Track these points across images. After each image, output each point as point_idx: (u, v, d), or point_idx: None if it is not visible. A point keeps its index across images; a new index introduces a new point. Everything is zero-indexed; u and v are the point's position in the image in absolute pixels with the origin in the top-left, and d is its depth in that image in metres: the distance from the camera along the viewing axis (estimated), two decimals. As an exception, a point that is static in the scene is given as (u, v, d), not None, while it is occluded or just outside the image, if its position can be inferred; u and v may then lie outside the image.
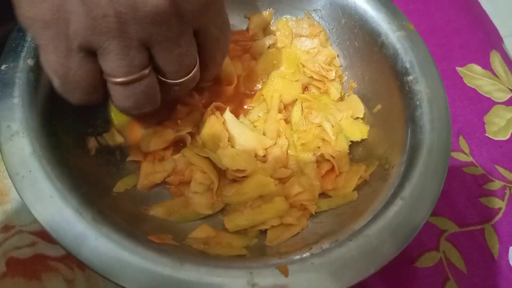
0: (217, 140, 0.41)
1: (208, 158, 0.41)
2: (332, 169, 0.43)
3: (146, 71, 0.30)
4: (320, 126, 0.44)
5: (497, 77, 0.57)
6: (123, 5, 0.27)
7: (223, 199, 0.40)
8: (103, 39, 0.28)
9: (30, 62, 0.36)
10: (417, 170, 0.36)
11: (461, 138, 0.52)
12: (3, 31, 0.38)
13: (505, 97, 0.56)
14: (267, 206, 0.39)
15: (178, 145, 0.43)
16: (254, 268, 0.30)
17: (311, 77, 0.47)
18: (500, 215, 0.48)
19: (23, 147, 0.32)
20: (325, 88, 0.47)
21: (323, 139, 0.44)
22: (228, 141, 0.42)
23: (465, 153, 0.51)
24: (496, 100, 0.55)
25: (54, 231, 0.30)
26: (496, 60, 0.58)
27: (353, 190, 0.41)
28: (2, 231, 0.39)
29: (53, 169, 0.32)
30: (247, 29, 0.50)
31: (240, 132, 0.43)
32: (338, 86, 0.47)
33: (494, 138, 0.53)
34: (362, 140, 0.44)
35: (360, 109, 0.46)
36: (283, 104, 0.46)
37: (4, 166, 0.32)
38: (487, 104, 0.55)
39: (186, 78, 0.33)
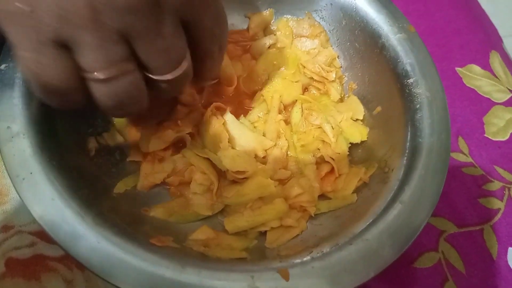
0: (217, 141, 0.41)
1: (208, 159, 0.41)
2: (331, 171, 0.43)
3: (128, 66, 0.28)
4: (320, 127, 0.44)
5: (497, 77, 0.57)
6: None
7: (223, 200, 0.40)
8: (76, 31, 0.26)
9: (30, 62, 0.36)
10: (417, 174, 0.36)
11: (460, 138, 0.52)
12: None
13: (504, 97, 0.56)
14: (267, 208, 0.39)
15: (178, 145, 0.43)
16: (255, 271, 0.30)
17: (311, 78, 0.47)
18: (499, 215, 0.48)
19: (24, 149, 0.32)
20: (325, 89, 0.47)
21: (323, 141, 0.44)
22: (228, 142, 0.42)
23: (464, 154, 0.52)
24: (495, 101, 0.55)
25: (54, 233, 0.30)
26: (495, 60, 0.58)
27: (353, 193, 0.41)
28: (1, 231, 0.39)
29: (54, 170, 0.32)
30: (247, 28, 0.50)
31: (240, 133, 0.42)
32: (338, 87, 0.47)
33: (493, 139, 0.53)
34: (362, 142, 0.44)
35: (360, 110, 0.46)
36: (283, 105, 0.46)
37: (3, 166, 0.32)
38: (487, 104, 0.55)
39: (175, 74, 0.30)
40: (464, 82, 0.56)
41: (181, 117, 0.43)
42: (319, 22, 0.49)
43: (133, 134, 0.43)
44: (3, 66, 0.35)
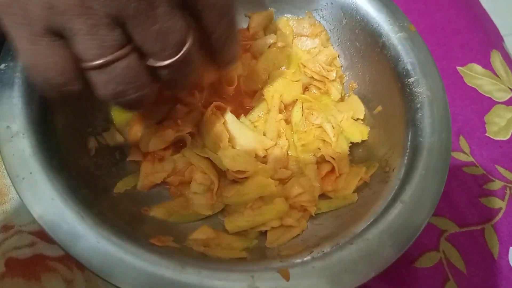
0: (217, 141, 0.41)
1: (208, 159, 0.41)
2: (332, 170, 0.43)
3: (123, 51, 0.27)
4: (320, 127, 0.44)
5: (498, 76, 0.57)
6: None
7: (223, 200, 0.40)
8: (65, 18, 0.25)
9: (30, 61, 0.36)
10: (417, 173, 0.36)
11: (461, 138, 0.52)
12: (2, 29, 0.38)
13: (505, 96, 0.56)
14: (267, 207, 0.39)
15: (178, 145, 0.43)
16: (255, 271, 0.30)
17: (312, 77, 0.47)
18: (500, 215, 0.48)
19: (24, 149, 0.32)
20: (326, 88, 0.47)
21: (324, 140, 0.44)
22: (229, 141, 0.42)
23: (466, 153, 0.51)
24: (496, 100, 0.55)
25: (54, 233, 0.30)
26: (496, 59, 0.58)
27: (353, 192, 0.41)
28: (1, 231, 0.39)
29: (54, 170, 0.32)
30: (248, 28, 0.50)
31: (240, 133, 0.42)
32: (338, 86, 0.47)
33: (495, 138, 0.53)
34: (363, 142, 0.44)
35: (360, 110, 0.46)
36: (284, 104, 0.46)
37: (3, 166, 0.32)
38: (488, 103, 0.55)
39: (175, 59, 0.29)
40: (465, 81, 0.56)
41: (181, 116, 0.43)
42: (319, 21, 0.49)
43: (133, 133, 0.43)
44: (2, 66, 0.35)
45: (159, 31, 0.27)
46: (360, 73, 0.48)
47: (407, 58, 0.42)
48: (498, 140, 0.52)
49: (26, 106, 0.34)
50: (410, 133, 0.39)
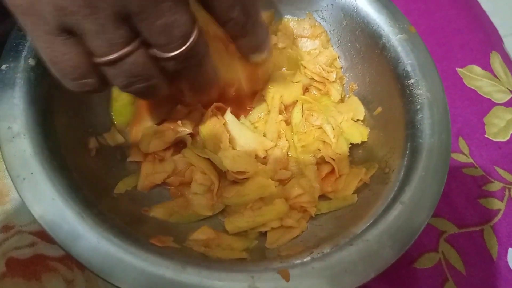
0: (217, 141, 0.41)
1: (208, 159, 0.41)
2: (332, 171, 0.43)
3: (130, 48, 0.28)
4: (320, 128, 0.44)
5: (497, 78, 0.57)
6: None
7: (223, 201, 0.40)
8: (75, 18, 0.26)
9: (31, 61, 0.36)
10: (417, 174, 0.36)
11: (460, 139, 0.52)
12: (3, 28, 0.38)
13: (505, 98, 0.56)
14: (267, 208, 0.39)
15: (178, 145, 0.43)
16: (256, 272, 0.30)
17: (312, 78, 0.47)
18: (499, 216, 0.48)
19: (25, 149, 0.32)
20: (326, 89, 0.47)
21: (324, 141, 0.44)
22: (229, 142, 0.42)
23: (465, 154, 0.52)
24: (496, 101, 0.55)
25: (55, 233, 0.30)
26: (496, 61, 0.58)
27: (353, 193, 0.41)
28: (2, 231, 0.39)
29: (54, 171, 0.32)
30: (248, 29, 0.50)
31: (240, 133, 0.42)
32: (338, 87, 0.47)
33: (494, 139, 0.53)
34: (362, 143, 0.44)
35: (360, 111, 0.46)
36: (284, 105, 0.46)
37: (4, 166, 0.32)
38: (487, 105, 0.55)
39: (180, 51, 0.30)
40: (465, 83, 0.57)
41: (181, 117, 0.43)
42: (319, 23, 0.49)
43: (133, 134, 0.43)
44: (4, 67, 0.35)
45: (164, 25, 0.28)
46: (360, 75, 0.48)
47: (407, 59, 0.42)
48: (497, 142, 0.53)
49: (27, 107, 0.34)
50: (410, 134, 0.39)
